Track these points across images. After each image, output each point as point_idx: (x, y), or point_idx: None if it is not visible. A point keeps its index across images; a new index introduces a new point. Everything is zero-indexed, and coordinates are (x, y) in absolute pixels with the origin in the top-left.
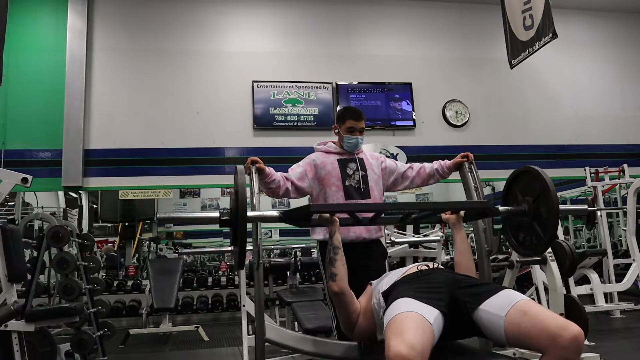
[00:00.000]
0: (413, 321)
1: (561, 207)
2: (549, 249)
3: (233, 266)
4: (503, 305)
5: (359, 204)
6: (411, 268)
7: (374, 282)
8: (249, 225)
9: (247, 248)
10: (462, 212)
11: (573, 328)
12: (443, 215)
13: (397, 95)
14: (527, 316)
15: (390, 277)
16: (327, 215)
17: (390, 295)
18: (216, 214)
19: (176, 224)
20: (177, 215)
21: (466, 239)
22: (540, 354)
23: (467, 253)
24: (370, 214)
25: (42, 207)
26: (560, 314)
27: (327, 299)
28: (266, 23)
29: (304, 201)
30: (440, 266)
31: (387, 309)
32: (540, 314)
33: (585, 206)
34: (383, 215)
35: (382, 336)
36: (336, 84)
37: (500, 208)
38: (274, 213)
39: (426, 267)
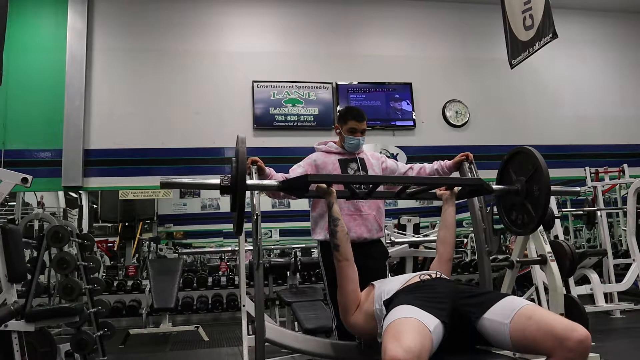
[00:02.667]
0: (411, 326)
1: (553, 188)
2: (549, 249)
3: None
4: (507, 312)
5: (356, 175)
6: (414, 277)
7: (376, 283)
8: (249, 226)
9: (244, 214)
10: (456, 189)
11: (580, 330)
12: (437, 191)
13: (397, 95)
14: (532, 320)
15: (393, 285)
16: (324, 185)
17: (391, 303)
18: (217, 181)
19: (179, 188)
20: (179, 181)
21: (454, 215)
22: (544, 357)
23: (452, 229)
24: (370, 189)
25: (43, 205)
26: (560, 314)
27: (327, 299)
28: (266, 23)
29: (304, 202)
30: (442, 276)
31: (387, 315)
32: (545, 317)
33: (577, 188)
34: (381, 188)
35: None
36: (336, 84)
37: (494, 187)
38: (273, 182)
39: (429, 277)
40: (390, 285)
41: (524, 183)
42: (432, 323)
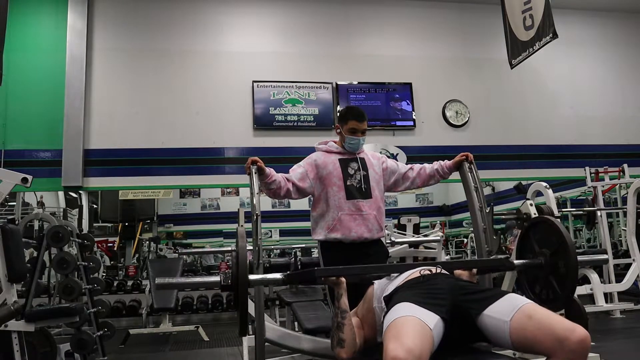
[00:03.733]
0: (412, 325)
1: (579, 258)
2: None
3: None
4: (507, 310)
5: (367, 266)
6: (414, 272)
7: (376, 282)
8: (249, 226)
9: (248, 312)
10: (474, 270)
11: (580, 331)
12: (456, 272)
13: (397, 95)
14: (532, 320)
15: (393, 282)
16: (334, 278)
17: (391, 300)
18: (217, 279)
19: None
20: (176, 281)
21: None
22: (544, 357)
23: None
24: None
25: (43, 205)
26: (560, 314)
27: (327, 299)
28: (266, 23)
29: (304, 201)
30: (443, 271)
31: (387, 313)
32: (546, 317)
33: (606, 256)
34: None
35: (382, 339)
36: (336, 84)
37: (516, 262)
38: (278, 276)
39: (429, 272)
40: (390, 283)
41: (548, 257)
42: (432, 321)
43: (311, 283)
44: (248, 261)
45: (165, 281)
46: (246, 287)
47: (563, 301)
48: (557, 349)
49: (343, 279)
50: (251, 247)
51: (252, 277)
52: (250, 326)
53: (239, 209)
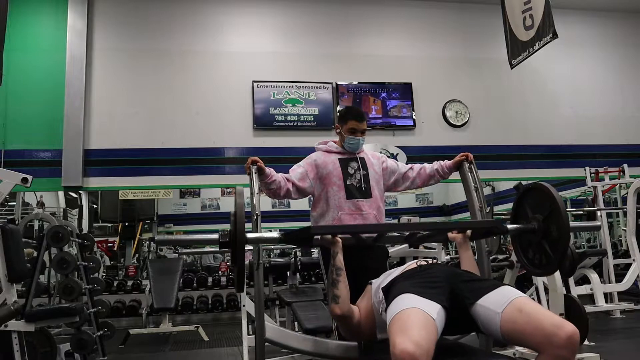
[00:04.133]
0: (417, 318)
1: (572, 223)
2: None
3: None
4: (500, 302)
5: (362, 225)
6: (411, 264)
7: (373, 281)
8: (249, 226)
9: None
10: (469, 232)
11: (568, 327)
12: (450, 235)
13: (397, 95)
14: (522, 313)
15: (390, 274)
16: (329, 236)
17: (390, 292)
18: (215, 236)
19: (175, 246)
20: (175, 238)
21: (473, 258)
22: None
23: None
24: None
25: (43, 205)
26: (560, 314)
27: (327, 299)
28: (266, 23)
29: (304, 201)
30: (439, 261)
31: (389, 306)
32: (535, 312)
33: (598, 223)
34: (387, 235)
35: (382, 335)
36: (336, 84)
37: (509, 226)
38: (274, 235)
39: (425, 263)
40: (388, 277)
41: (541, 222)
42: (434, 310)
43: (307, 241)
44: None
45: (164, 237)
46: (244, 244)
47: (555, 265)
48: (546, 345)
49: (338, 239)
50: (251, 247)
51: (249, 235)
52: (250, 326)
53: None
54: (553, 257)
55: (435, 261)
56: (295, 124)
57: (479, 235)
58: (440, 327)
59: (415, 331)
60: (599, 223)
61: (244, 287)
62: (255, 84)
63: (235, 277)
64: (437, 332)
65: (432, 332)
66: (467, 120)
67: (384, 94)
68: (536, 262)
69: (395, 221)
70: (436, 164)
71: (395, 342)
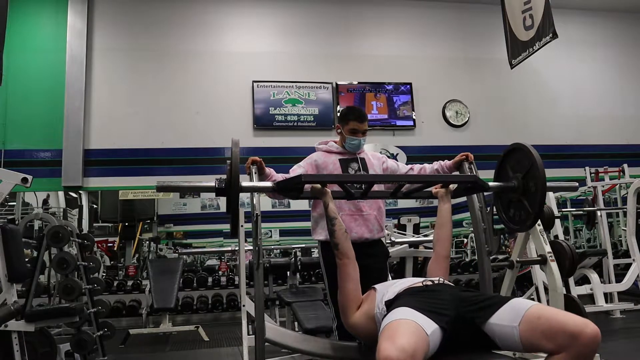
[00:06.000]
0: (407, 327)
1: (549, 183)
2: (549, 249)
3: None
4: (514, 315)
5: (350, 174)
6: (416, 282)
7: (377, 286)
8: (249, 226)
9: (240, 216)
10: (451, 186)
11: (592, 326)
12: (433, 189)
13: (397, 95)
14: (542, 319)
15: (395, 287)
16: (319, 186)
17: (392, 306)
18: (212, 183)
19: (175, 192)
20: (175, 184)
21: (450, 212)
22: (543, 357)
23: (448, 226)
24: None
25: (43, 206)
26: None
27: (327, 299)
28: (266, 23)
29: (304, 202)
30: (446, 282)
31: (386, 316)
32: (555, 315)
33: (576, 183)
34: (381, 187)
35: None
36: (336, 84)
37: (491, 184)
38: (267, 184)
39: (431, 283)
40: (392, 288)
41: (520, 180)
42: (430, 327)
43: (299, 190)
44: (247, 166)
45: (165, 184)
46: (238, 192)
47: (533, 220)
48: (570, 344)
49: (328, 189)
50: (251, 247)
51: (244, 183)
52: (250, 326)
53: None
54: (531, 212)
55: (441, 281)
56: (295, 124)
57: (461, 191)
58: (434, 345)
59: (403, 339)
60: (576, 184)
61: (239, 231)
62: (255, 84)
63: (231, 222)
64: (429, 346)
65: (422, 343)
66: (467, 120)
67: (383, 94)
68: (516, 219)
69: (396, 221)
70: (436, 164)
71: (380, 347)
